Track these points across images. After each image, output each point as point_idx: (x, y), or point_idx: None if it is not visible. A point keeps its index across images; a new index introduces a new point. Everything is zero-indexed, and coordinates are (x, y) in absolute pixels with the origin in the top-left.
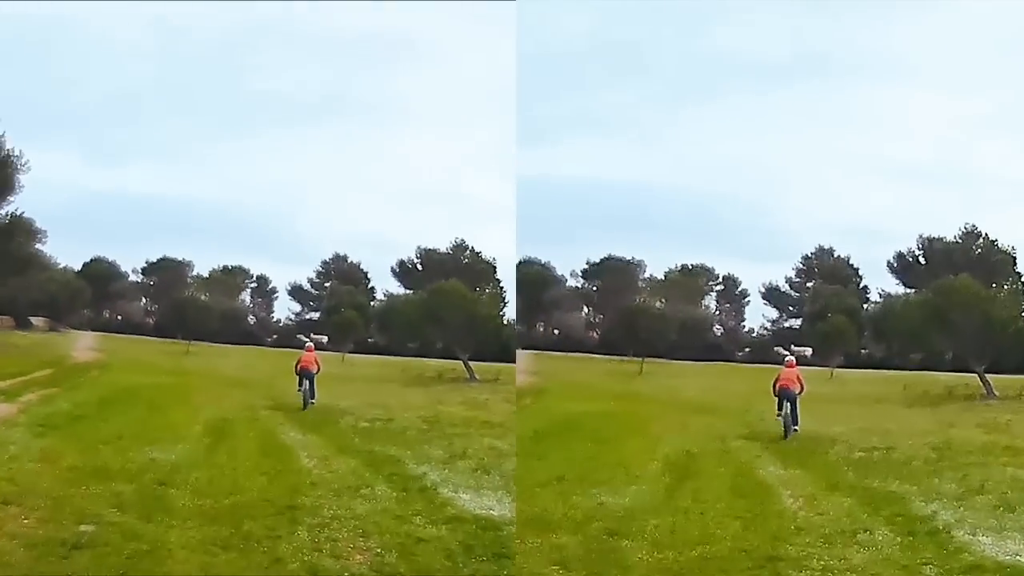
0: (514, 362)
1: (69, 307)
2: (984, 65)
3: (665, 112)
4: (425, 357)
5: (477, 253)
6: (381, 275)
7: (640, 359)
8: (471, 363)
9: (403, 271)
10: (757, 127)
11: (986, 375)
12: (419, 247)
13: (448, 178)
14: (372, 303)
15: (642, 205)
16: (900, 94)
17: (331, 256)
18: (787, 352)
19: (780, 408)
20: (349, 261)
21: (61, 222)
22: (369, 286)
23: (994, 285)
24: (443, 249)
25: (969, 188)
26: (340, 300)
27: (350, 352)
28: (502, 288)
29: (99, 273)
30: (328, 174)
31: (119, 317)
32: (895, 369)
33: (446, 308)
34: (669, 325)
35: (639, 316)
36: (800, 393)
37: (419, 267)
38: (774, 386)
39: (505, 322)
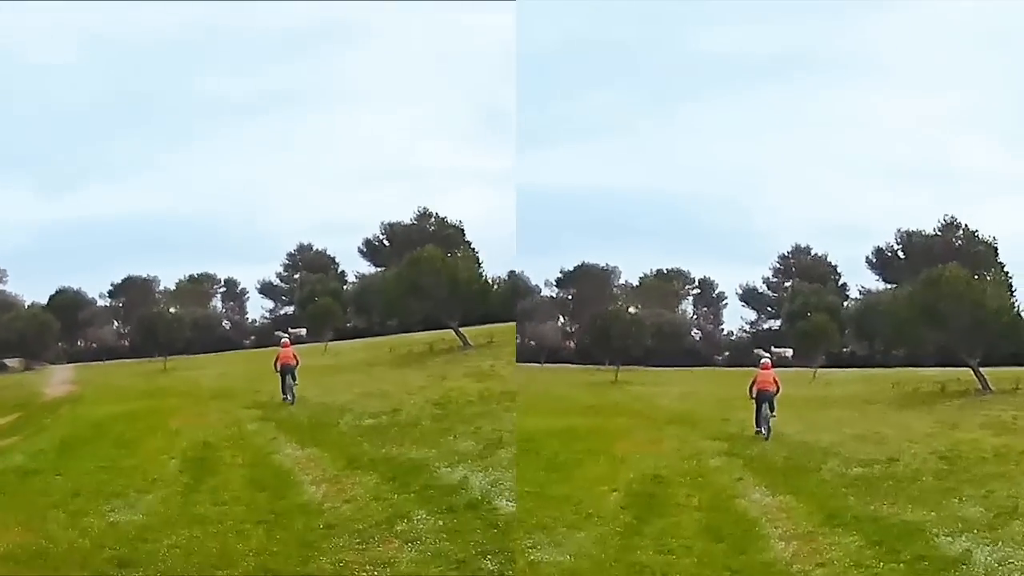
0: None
1: (40, 342)
2: (957, 63)
3: (637, 116)
4: (409, 332)
5: (443, 219)
6: (349, 258)
7: (615, 367)
8: (461, 329)
9: (371, 249)
10: (731, 128)
11: (980, 368)
12: (383, 223)
13: (401, 153)
14: (345, 287)
15: (615, 210)
16: (875, 93)
17: (295, 247)
18: (767, 354)
19: (759, 411)
20: (315, 249)
21: (20, 259)
22: (339, 271)
23: (976, 277)
24: (407, 221)
25: (945, 184)
26: (312, 289)
27: (331, 341)
28: (474, 249)
29: (66, 303)
30: (279, 168)
31: (93, 345)
32: (879, 367)
33: (425, 276)
34: (644, 331)
35: (612, 323)
36: (776, 394)
37: (386, 243)
38: (751, 388)
39: (488, 281)
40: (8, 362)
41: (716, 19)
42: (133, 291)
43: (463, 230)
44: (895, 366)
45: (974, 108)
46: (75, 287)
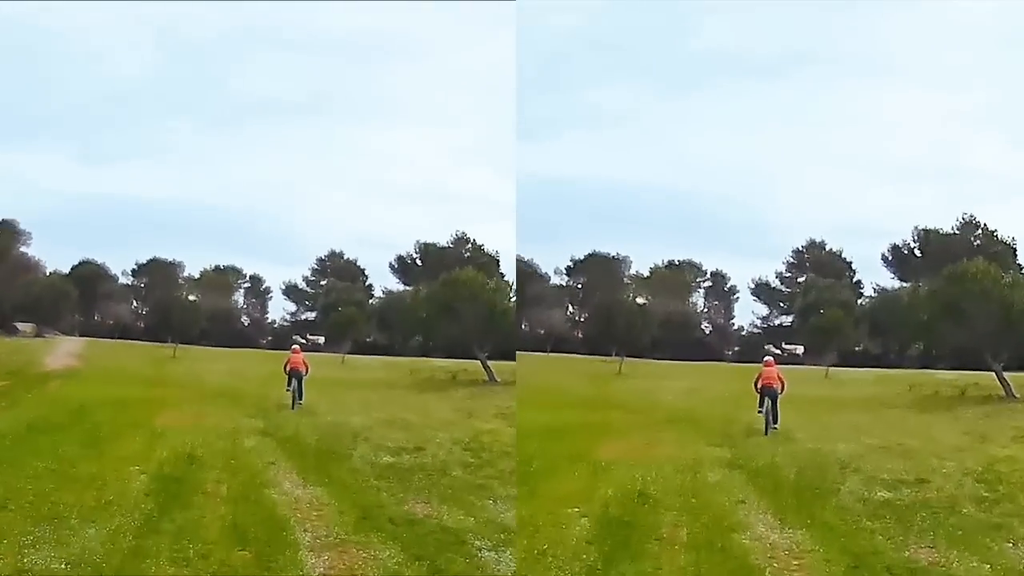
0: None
1: (55, 311)
2: (971, 61)
3: (652, 109)
4: (428, 357)
5: (479, 246)
6: (379, 273)
7: (620, 358)
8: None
9: (402, 266)
10: (747, 124)
11: (1008, 373)
12: (418, 242)
13: (442, 174)
14: (371, 300)
15: (629, 202)
16: (889, 91)
17: (326, 254)
18: (777, 350)
19: (761, 404)
20: (345, 258)
21: (50, 225)
22: (367, 283)
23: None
24: (443, 243)
25: (959, 184)
26: (337, 297)
27: (349, 353)
28: (508, 283)
29: (88, 276)
30: (321, 172)
31: (109, 321)
32: (892, 367)
33: (462, 300)
34: (650, 321)
35: (618, 312)
36: (781, 392)
37: (418, 262)
38: (756, 384)
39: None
40: (20, 326)
41: (730, 13)
42: (156, 273)
43: (498, 260)
44: (909, 367)
45: (988, 107)
46: (99, 261)
